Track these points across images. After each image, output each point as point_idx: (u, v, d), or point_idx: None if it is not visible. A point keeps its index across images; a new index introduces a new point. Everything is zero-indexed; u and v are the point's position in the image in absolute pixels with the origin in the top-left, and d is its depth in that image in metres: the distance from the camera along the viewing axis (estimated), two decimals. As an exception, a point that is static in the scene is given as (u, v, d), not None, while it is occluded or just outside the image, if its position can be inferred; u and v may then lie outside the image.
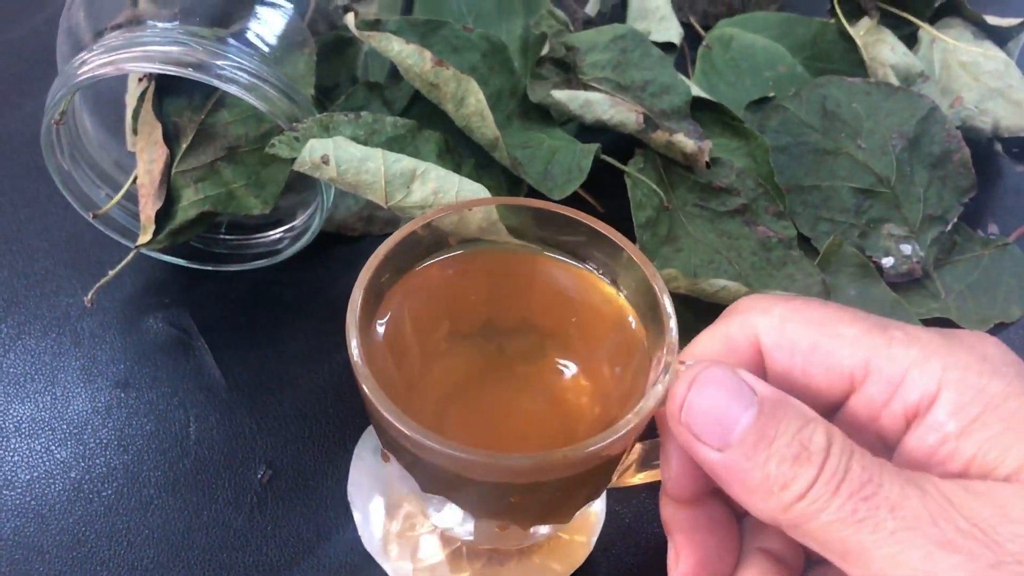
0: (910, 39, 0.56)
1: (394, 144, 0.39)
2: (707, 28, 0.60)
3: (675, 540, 0.29)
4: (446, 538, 0.38)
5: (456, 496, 0.31)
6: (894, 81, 0.51)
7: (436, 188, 0.34)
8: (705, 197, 0.45)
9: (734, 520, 0.29)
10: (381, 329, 0.31)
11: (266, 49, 0.41)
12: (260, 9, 0.42)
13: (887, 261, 0.47)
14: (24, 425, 0.41)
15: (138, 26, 0.40)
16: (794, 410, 0.24)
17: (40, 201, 0.49)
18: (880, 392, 0.25)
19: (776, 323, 0.27)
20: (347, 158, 0.37)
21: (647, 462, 0.33)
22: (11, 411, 0.41)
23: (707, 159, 0.44)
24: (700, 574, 0.28)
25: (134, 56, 0.38)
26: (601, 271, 0.33)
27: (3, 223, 0.49)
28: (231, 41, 0.40)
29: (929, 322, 0.46)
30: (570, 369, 0.33)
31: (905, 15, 0.56)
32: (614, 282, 0.33)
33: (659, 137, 0.44)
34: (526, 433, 0.32)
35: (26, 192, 0.50)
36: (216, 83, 0.38)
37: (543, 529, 0.35)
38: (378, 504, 0.39)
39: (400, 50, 0.40)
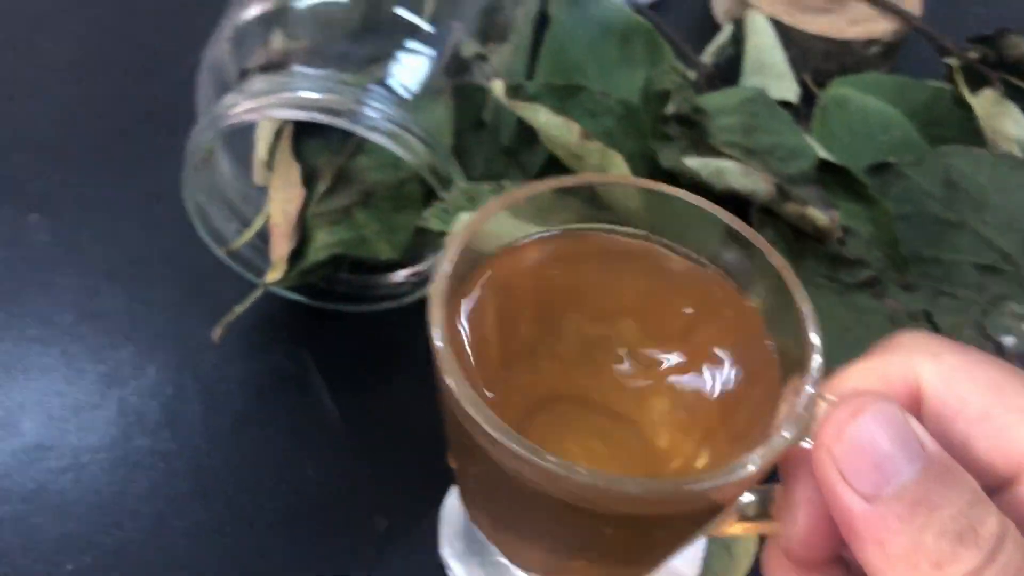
0: (1033, 113, 0.55)
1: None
2: (819, 85, 0.60)
3: None
4: None
5: (529, 520, 0.27)
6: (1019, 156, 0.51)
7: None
8: (833, 268, 0.45)
9: None
10: (466, 316, 0.27)
11: (408, 96, 0.41)
12: (403, 56, 0.42)
13: (1008, 340, 0.46)
14: (145, 458, 0.41)
15: (283, 69, 0.40)
16: (966, 482, 0.20)
17: (158, 224, 0.50)
18: None
19: (946, 374, 0.23)
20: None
21: (752, 511, 0.28)
22: (133, 442, 0.42)
23: (840, 234, 0.43)
24: None
25: (284, 102, 0.38)
26: (729, 274, 0.29)
27: (124, 246, 0.49)
28: (376, 88, 0.40)
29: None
30: (683, 388, 0.28)
31: (1030, 88, 0.55)
32: (743, 289, 0.28)
33: (791, 209, 0.44)
34: (621, 457, 0.28)
35: (144, 215, 0.50)
36: (364, 133, 0.38)
37: None
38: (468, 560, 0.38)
39: (547, 121, 0.40)
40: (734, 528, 0.28)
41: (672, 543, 0.28)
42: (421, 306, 0.46)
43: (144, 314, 0.46)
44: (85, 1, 0.65)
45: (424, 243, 0.46)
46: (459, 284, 0.27)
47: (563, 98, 0.44)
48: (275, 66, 0.41)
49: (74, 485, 0.40)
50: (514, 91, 0.42)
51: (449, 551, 0.39)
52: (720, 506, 0.25)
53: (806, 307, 0.26)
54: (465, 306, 0.27)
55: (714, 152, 0.47)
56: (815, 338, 0.25)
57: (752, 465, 0.22)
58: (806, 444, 0.23)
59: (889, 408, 0.21)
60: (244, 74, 0.41)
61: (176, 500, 0.40)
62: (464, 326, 0.27)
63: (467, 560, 0.39)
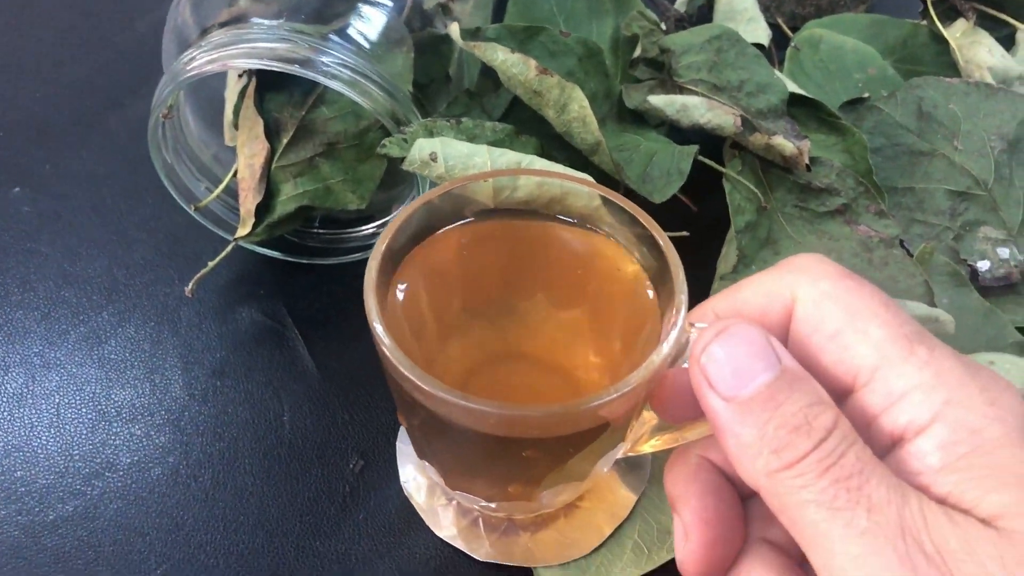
0: (1007, 41, 0.55)
1: (494, 148, 0.40)
2: (795, 29, 0.60)
3: (683, 517, 0.29)
4: (463, 509, 0.38)
5: (467, 456, 0.32)
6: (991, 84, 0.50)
7: (542, 179, 0.34)
8: (804, 198, 0.45)
9: (741, 508, 0.30)
10: (400, 297, 0.32)
11: (367, 46, 0.42)
12: (362, 7, 0.42)
13: (983, 265, 0.46)
14: (125, 410, 0.42)
15: (243, 23, 0.41)
16: (811, 387, 0.24)
17: (139, 193, 0.51)
18: (877, 402, 0.25)
19: (815, 296, 0.26)
20: (454, 154, 0.37)
21: (660, 430, 0.33)
22: (113, 396, 0.42)
23: (807, 161, 0.43)
24: (707, 554, 0.28)
25: (241, 52, 0.39)
26: (615, 238, 0.34)
27: (105, 214, 0.50)
28: (333, 38, 0.41)
29: (1025, 330, 0.45)
30: (584, 341, 0.33)
31: (1003, 16, 0.55)
32: (628, 250, 0.33)
33: (758, 140, 0.44)
34: (547, 397, 0.33)
35: (126, 184, 0.51)
36: (321, 79, 0.38)
37: (555, 498, 0.35)
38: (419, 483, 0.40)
39: (504, 59, 0.40)
40: (647, 446, 0.33)
41: (588, 460, 0.32)
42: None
43: (124, 276, 0.47)
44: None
45: (392, 196, 0.46)
46: (391, 271, 0.32)
47: (523, 40, 0.45)
48: (235, 21, 0.41)
49: (55, 439, 0.41)
50: (472, 34, 0.43)
51: (412, 485, 0.40)
52: (621, 420, 0.30)
53: (673, 257, 0.30)
54: (398, 290, 0.32)
55: (679, 89, 0.47)
56: (680, 281, 0.29)
57: (632, 383, 0.27)
58: (686, 365, 0.28)
59: (748, 328, 0.25)
60: (205, 32, 0.42)
61: (155, 450, 0.41)
62: (399, 307, 0.32)
63: (427, 491, 0.40)
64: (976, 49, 0.52)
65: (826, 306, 0.26)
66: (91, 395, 0.42)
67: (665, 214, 0.45)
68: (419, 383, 0.27)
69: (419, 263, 0.33)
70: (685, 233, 0.43)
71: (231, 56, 0.39)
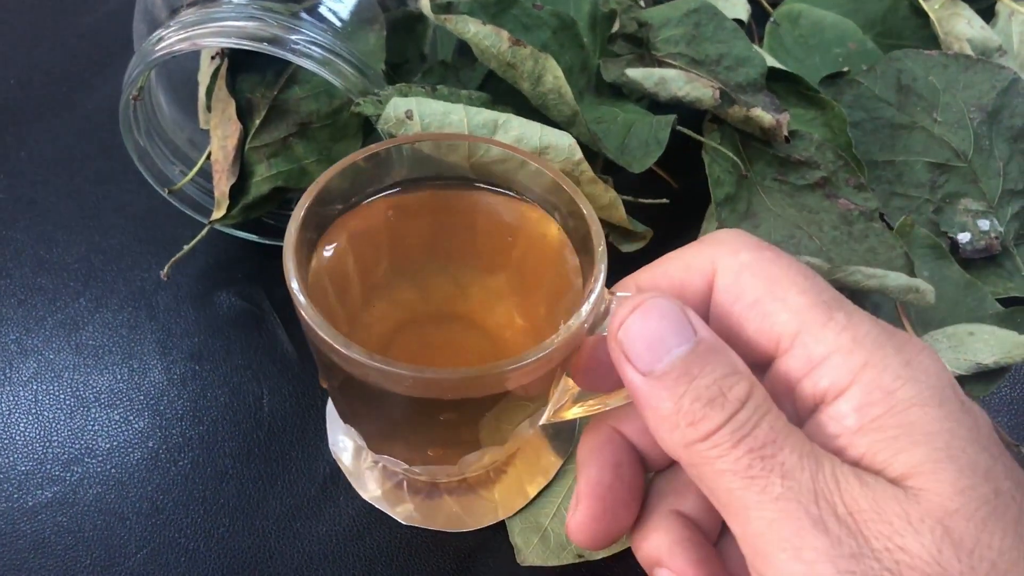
0: (987, 13, 0.54)
1: (471, 107, 0.39)
2: (774, 5, 0.59)
3: (579, 485, 0.30)
4: (388, 472, 0.39)
5: (386, 419, 0.32)
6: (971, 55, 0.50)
7: (519, 136, 0.33)
8: (784, 171, 0.45)
9: (639, 487, 0.30)
10: (327, 260, 0.32)
11: (338, 24, 0.41)
12: (333, -15, 0.42)
13: (963, 237, 0.46)
14: (103, 396, 0.42)
15: (213, 2, 0.41)
16: (726, 358, 0.25)
17: (116, 178, 0.50)
18: (798, 367, 0.25)
19: (735, 267, 0.27)
20: (430, 112, 0.37)
21: (583, 397, 0.33)
22: (91, 382, 0.42)
23: (786, 133, 0.43)
24: (591, 525, 0.29)
25: (210, 31, 0.38)
26: (541, 205, 0.34)
27: (81, 199, 0.50)
28: (304, 16, 0.40)
29: (1007, 302, 0.45)
30: (510, 304, 0.34)
31: (982, -12, 0.54)
32: (553, 218, 0.33)
33: (736, 112, 0.44)
34: (469, 359, 0.33)
35: (102, 169, 0.51)
36: (291, 57, 0.38)
37: (476, 462, 0.35)
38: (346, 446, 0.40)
39: (476, 31, 0.40)
40: (570, 413, 0.34)
41: (507, 424, 0.32)
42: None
43: (101, 262, 0.47)
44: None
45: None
46: (318, 233, 0.32)
47: (495, 14, 0.44)
48: (205, 0, 0.41)
49: (33, 426, 0.41)
50: (443, 7, 0.42)
51: (336, 448, 0.40)
52: (537, 386, 0.30)
53: (594, 226, 0.30)
54: (325, 252, 0.32)
55: (658, 63, 0.47)
56: (601, 251, 0.29)
57: (548, 347, 0.27)
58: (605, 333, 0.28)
59: (663, 302, 0.25)
60: (175, 12, 0.41)
61: (134, 435, 0.41)
62: (325, 270, 0.32)
63: (354, 454, 0.40)
64: (955, 21, 0.52)
65: (746, 276, 0.26)
66: (69, 381, 0.42)
67: (646, 191, 0.46)
68: (333, 343, 0.27)
69: (347, 227, 0.33)
70: (664, 200, 0.43)
71: (200, 35, 0.38)
